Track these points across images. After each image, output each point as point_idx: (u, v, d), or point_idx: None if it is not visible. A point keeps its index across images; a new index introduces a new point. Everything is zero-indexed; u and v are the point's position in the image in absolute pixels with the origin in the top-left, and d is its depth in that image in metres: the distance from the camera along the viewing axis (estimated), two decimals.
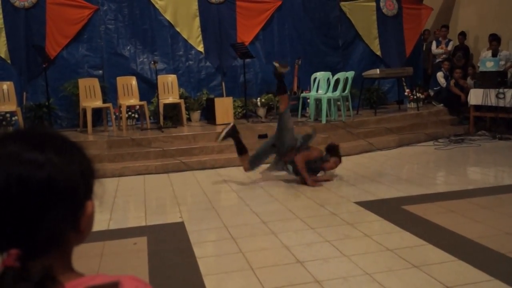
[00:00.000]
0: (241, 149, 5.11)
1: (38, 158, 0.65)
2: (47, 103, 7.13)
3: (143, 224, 3.98)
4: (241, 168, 5.70)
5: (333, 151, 5.03)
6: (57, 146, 0.69)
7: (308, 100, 7.86)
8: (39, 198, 0.63)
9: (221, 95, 8.20)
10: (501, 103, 7.53)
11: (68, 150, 0.70)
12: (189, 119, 7.96)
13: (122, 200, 4.79)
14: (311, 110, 7.62)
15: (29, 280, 0.60)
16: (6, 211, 0.62)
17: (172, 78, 7.87)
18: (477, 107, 8.02)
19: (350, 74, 7.52)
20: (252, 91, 8.34)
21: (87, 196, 0.71)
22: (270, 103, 8.18)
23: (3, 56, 7.47)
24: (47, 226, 0.64)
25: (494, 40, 8.74)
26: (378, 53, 9.37)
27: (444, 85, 8.95)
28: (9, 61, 7.51)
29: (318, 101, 7.55)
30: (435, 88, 9.24)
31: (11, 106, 6.95)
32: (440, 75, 9.05)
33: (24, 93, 7.55)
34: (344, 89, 7.43)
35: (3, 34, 7.43)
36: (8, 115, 6.98)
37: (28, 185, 0.63)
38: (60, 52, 7.68)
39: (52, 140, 0.69)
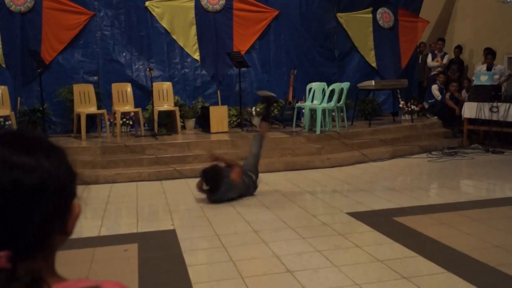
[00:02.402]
0: (266, 116, 5.61)
1: (30, 162, 0.65)
2: (41, 108, 7.11)
3: (135, 231, 3.96)
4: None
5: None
6: (46, 149, 0.69)
7: (303, 110, 7.89)
8: (31, 201, 0.64)
9: (216, 104, 8.21)
10: (495, 117, 7.58)
11: (55, 153, 0.71)
12: (183, 127, 7.95)
13: (114, 207, 4.77)
14: (305, 120, 7.64)
15: (20, 281, 0.60)
16: None
17: (167, 85, 7.88)
18: (471, 121, 8.07)
19: (346, 85, 7.56)
20: (247, 100, 8.36)
21: (73, 198, 0.72)
22: None
23: None
24: (37, 228, 0.65)
25: (490, 54, 8.82)
26: (374, 64, 9.43)
27: (439, 98, 9.02)
28: (4, 65, 7.49)
29: (313, 111, 7.57)
30: (429, 101, 9.31)
31: (5, 110, 6.92)
32: (435, 88, 9.12)
33: (19, 98, 7.52)
34: (339, 100, 7.47)
35: None
36: (1, 119, 6.96)
37: (20, 189, 0.63)
38: (55, 57, 7.67)
39: (40, 144, 0.70)
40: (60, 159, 0.71)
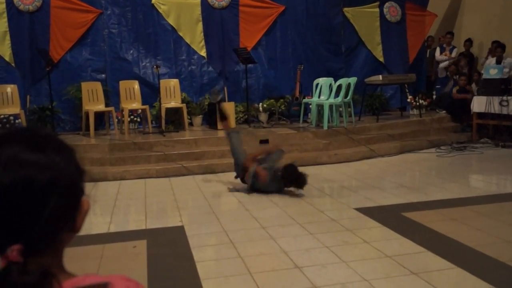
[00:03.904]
0: (222, 116, 5.47)
1: (41, 159, 0.66)
2: (50, 106, 7.17)
3: (143, 227, 3.99)
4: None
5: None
6: (56, 146, 0.70)
7: (310, 106, 7.87)
8: (42, 198, 0.65)
9: (223, 100, 8.21)
10: (505, 111, 7.49)
11: (65, 150, 0.72)
12: (191, 124, 7.97)
13: (123, 204, 4.80)
14: (312, 116, 7.62)
15: (31, 274, 0.61)
16: (11, 210, 0.64)
17: (174, 82, 7.90)
18: (480, 115, 7.98)
19: (353, 80, 7.52)
20: (254, 96, 8.35)
21: (82, 195, 0.73)
22: (272, 108, 8.19)
23: (7, 59, 7.52)
24: (47, 224, 0.65)
25: (499, 47, 8.71)
26: (381, 59, 9.37)
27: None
28: (13, 64, 7.56)
29: (320, 107, 7.55)
30: (437, 86, 9.30)
31: (15, 108, 7.00)
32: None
33: (28, 96, 7.59)
34: (346, 95, 7.43)
35: (8, 37, 7.49)
36: (11, 117, 7.02)
37: (32, 186, 0.64)
38: (63, 56, 7.73)
39: (50, 141, 0.71)
40: (69, 156, 0.72)
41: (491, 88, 7.79)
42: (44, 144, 0.69)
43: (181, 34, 8.21)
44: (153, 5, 8.07)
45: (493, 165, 6.26)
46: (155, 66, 7.36)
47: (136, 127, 7.85)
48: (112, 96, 7.85)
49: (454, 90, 8.76)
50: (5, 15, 7.45)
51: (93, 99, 7.35)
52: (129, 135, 7.22)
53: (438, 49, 10.00)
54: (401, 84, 8.98)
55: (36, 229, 0.65)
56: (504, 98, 7.51)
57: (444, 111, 8.96)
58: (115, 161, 6.16)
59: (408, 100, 9.13)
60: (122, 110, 7.39)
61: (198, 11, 8.25)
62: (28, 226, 0.64)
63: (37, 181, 0.64)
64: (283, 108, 8.25)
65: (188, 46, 8.27)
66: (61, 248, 0.71)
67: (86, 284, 0.66)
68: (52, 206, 0.65)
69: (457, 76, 9.05)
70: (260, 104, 8.26)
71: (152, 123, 7.59)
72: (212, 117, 7.68)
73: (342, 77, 8.02)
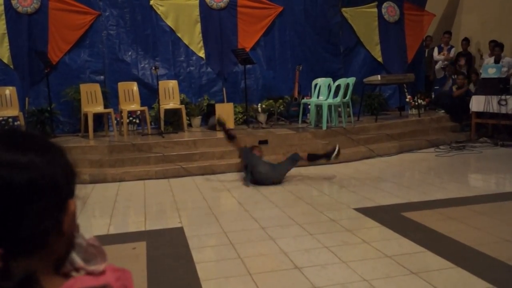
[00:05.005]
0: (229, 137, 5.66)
1: (20, 159, 0.64)
2: (49, 108, 7.16)
3: (143, 229, 3.98)
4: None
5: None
6: (38, 146, 0.68)
7: (309, 106, 7.87)
8: (21, 199, 0.63)
9: (222, 101, 8.22)
10: (503, 110, 7.50)
11: (49, 150, 0.69)
12: (189, 125, 7.97)
13: (122, 205, 4.80)
14: (311, 116, 7.63)
15: (12, 279, 0.59)
16: None
17: (173, 83, 7.90)
18: (479, 114, 8.00)
19: (351, 80, 7.52)
20: (253, 97, 8.35)
21: (69, 196, 0.70)
22: (271, 109, 8.19)
23: (5, 61, 7.52)
24: (29, 226, 0.64)
25: (497, 46, 8.73)
26: (380, 59, 9.38)
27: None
28: (11, 66, 7.56)
29: (319, 107, 7.55)
30: (435, 87, 9.30)
31: (14, 111, 6.99)
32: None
33: (27, 98, 7.58)
34: (345, 95, 7.44)
35: (6, 39, 7.49)
36: (10, 119, 7.02)
37: (10, 187, 0.62)
38: (62, 58, 7.72)
39: (32, 141, 0.69)
40: (54, 157, 0.69)
41: (490, 87, 7.80)
42: (25, 144, 0.67)
43: (179, 35, 8.22)
44: (151, 6, 8.07)
45: (492, 164, 6.27)
46: (153, 68, 7.36)
47: (135, 128, 7.85)
48: (111, 98, 7.84)
49: (454, 88, 8.76)
50: (3, 17, 7.45)
51: (91, 100, 7.34)
52: (128, 136, 7.21)
53: (436, 49, 10.01)
54: (399, 84, 8.99)
55: (17, 232, 0.63)
56: (503, 97, 7.52)
57: (443, 111, 8.97)
58: (114, 162, 6.15)
59: (407, 100, 9.15)
60: (121, 112, 7.38)
61: (196, 12, 8.25)
62: (8, 228, 0.62)
63: (15, 182, 0.62)
64: (282, 109, 8.26)
65: (187, 47, 8.27)
66: (49, 252, 0.67)
67: (85, 286, 0.65)
68: (33, 208, 0.63)
69: (455, 76, 9.06)
70: (259, 104, 8.26)
71: (151, 124, 7.59)
72: (211, 118, 7.68)
73: (341, 77, 8.02)
